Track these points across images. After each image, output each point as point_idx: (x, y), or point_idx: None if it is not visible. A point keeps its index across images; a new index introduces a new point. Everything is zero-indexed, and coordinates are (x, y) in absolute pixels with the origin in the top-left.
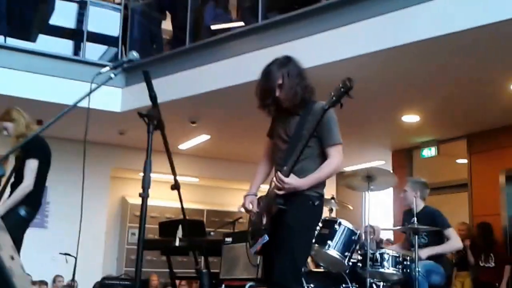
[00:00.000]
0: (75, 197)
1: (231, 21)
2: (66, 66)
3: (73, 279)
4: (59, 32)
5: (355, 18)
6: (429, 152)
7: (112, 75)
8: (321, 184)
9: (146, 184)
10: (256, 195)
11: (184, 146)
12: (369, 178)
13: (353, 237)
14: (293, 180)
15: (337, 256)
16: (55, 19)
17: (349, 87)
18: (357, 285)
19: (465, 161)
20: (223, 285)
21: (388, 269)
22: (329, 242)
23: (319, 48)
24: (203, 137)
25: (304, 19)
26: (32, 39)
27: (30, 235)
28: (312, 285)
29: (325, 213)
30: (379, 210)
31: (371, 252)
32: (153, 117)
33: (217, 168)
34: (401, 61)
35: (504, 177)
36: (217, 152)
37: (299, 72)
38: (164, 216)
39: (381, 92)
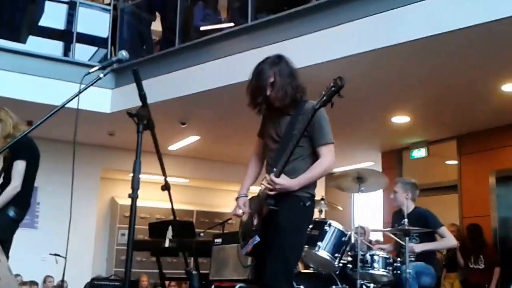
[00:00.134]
0: (65, 198)
1: (220, 21)
2: (56, 67)
3: (62, 280)
4: (49, 33)
5: (345, 18)
6: (419, 153)
7: (102, 75)
8: (312, 184)
9: (135, 185)
10: (247, 196)
11: (173, 147)
12: (360, 179)
13: (343, 238)
14: (284, 181)
15: (327, 257)
16: (45, 20)
17: (340, 86)
18: (347, 287)
19: (455, 162)
20: (213, 286)
21: (379, 270)
22: (319, 243)
23: (309, 49)
24: (193, 138)
25: (295, 19)
26: (22, 40)
27: (20, 235)
28: (302, 287)
29: (315, 214)
30: (367, 211)
31: (362, 253)
32: (143, 116)
33: (207, 169)
34: (391, 62)
35: (494, 179)
36: (207, 153)
37: (290, 71)
38: (153, 217)
39: (371, 93)
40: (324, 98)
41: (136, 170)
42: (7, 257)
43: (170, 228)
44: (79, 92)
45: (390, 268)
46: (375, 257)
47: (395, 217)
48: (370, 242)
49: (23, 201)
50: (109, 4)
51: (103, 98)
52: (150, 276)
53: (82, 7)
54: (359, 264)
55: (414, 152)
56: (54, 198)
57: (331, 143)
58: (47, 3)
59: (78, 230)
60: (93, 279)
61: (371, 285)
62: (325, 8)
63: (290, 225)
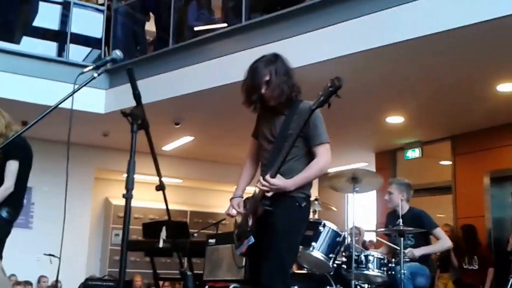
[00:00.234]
0: (59, 198)
1: (214, 21)
2: (50, 67)
3: (57, 280)
4: (43, 33)
5: (339, 18)
6: (413, 153)
7: (95, 75)
8: (308, 185)
9: (129, 185)
10: (242, 197)
11: (167, 147)
12: (355, 179)
13: (337, 239)
14: (280, 181)
15: (322, 258)
16: (39, 21)
17: (337, 86)
18: (341, 287)
19: (449, 162)
20: (207, 287)
21: (373, 271)
22: (313, 243)
23: (303, 49)
24: (187, 139)
25: (289, 19)
26: (16, 40)
27: (15, 235)
28: (296, 287)
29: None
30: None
31: (356, 254)
32: (137, 116)
33: (201, 169)
34: (385, 61)
35: (488, 179)
36: (200, 153)
37: (286, 70)
38: (147, 217)
39: (365, 93)
40: (322, 98)
41: (130, 171)
42: (1, 257)
43: (164, 228)
44: (73, 92)
45: (385, 268)
46: (370, 258)
47: (389, 218)
48: (364, 243)
49: (16, 201)
50: (103, 5)
51: (97, 99)
52: (144, 276)
53: (76, 8)
54: (354, 264)
55: (408, 152)
56: (49, 199)
57: (327, 142)
58: (41, 3)
59: (72, 230)
60: (87, 279)
61: (366, 285)
62: (318, 8)
63: (286, 226)
